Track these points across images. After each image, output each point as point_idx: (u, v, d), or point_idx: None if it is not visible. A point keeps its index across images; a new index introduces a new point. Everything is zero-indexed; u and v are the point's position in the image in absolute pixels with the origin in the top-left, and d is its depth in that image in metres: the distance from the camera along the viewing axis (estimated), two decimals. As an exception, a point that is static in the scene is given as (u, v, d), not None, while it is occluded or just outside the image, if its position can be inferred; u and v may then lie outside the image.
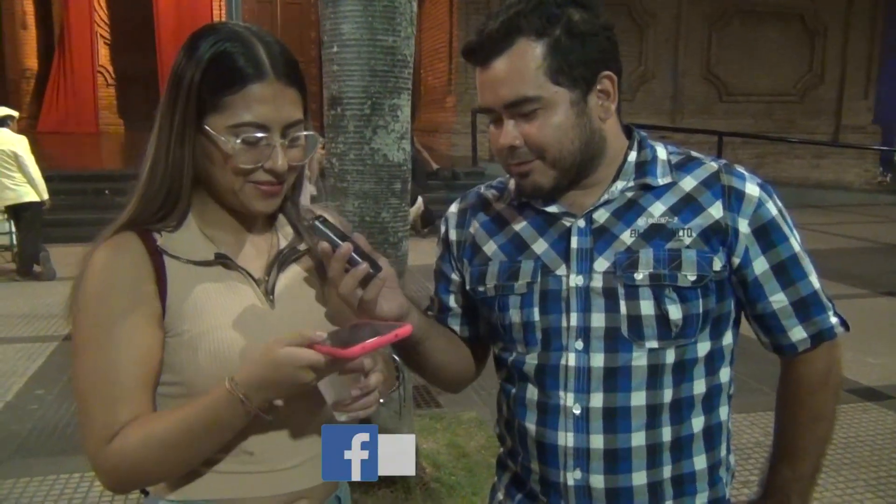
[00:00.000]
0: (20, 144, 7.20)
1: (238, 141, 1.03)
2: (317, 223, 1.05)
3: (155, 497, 1.11)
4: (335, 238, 1.03)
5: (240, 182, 1.06)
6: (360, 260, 1.03)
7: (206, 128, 1.04)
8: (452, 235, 1.30)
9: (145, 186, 1.08)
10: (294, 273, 1.16)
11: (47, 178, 7.47)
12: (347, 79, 2.79)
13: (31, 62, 15.76)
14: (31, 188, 7.22)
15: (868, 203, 13.74)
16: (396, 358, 1.20)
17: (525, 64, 1.08)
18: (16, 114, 7.63)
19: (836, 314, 1.19)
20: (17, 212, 7.32)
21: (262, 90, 1.03)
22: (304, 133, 1.10)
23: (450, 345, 1.28)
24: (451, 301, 1.31)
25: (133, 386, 1.01)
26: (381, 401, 1.06)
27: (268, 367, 0.95)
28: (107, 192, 9.49)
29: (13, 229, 7.63)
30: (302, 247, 1.19)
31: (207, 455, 1.05)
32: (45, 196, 7.37)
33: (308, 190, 4.41)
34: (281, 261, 1.15)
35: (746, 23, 14.48)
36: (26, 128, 11.16)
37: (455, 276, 1.30)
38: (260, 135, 1.03)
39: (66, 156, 12.16)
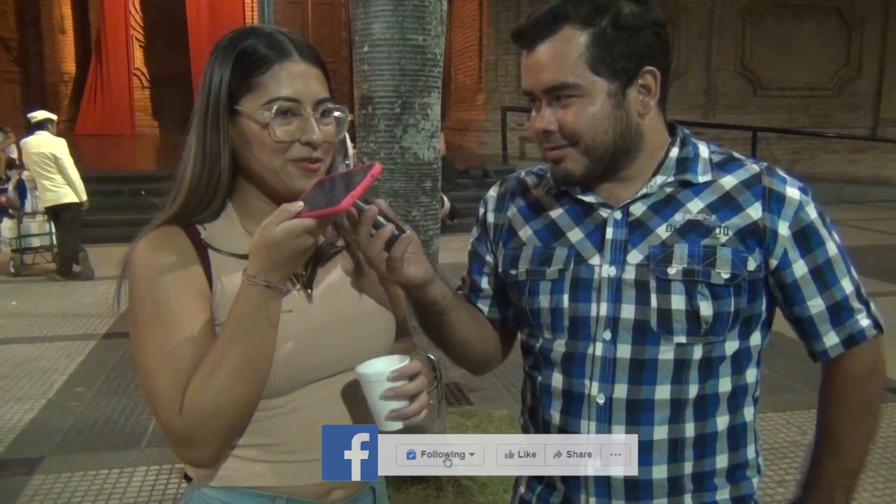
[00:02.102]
0: (59, 147, 7.37)
1: (273, 112, 1.07)
2: None
3: (197, 484, 1.15)
4: (359, 202, 1.05)
5: (280, 161, 1.09)
6: (384, 222, 1.06)
7: (240, 108, 1.08)
8: (490, 218, 1.32)
9: (187, 181, 1.11)
10: (332, 268, 1.19)
11: (85, 180, 7.65)
12: (378, 78, 2.81)
13: (69, 66, 16.11)
14: (70, 189, 7.40)
15: (908, 198, 13.43)
16: (433, 357, 1.21)
17: (567, 51, 1.10)
18: (55, 117, 7.82)
19: (869, 315, 1.18)
20: (57, 213, 7.49)
21: (289, 68, 1.09)
22: (335, 110, 1.13)
23: (474, 322, 1.29)
24: (484, 282, 1.32)
25: (195, 357, 1.03)
26: (431, 402, 1.09)
27: (272, 249, 0.99)
28: (143, 192, 9.67)
29: (53, 230, 7.80)
30: (340, 242, 1.21)
31: (265, 368, 1.04)
32: (84, 197, 7.54)
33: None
34: (319, 256, 1.17)
35: (781, 16, 14.24)
36: (64, 130, 11.41)
37: (490, 259, 1.31)
38: (292, 105, 1.08)
39: (103, 157, 12.40)
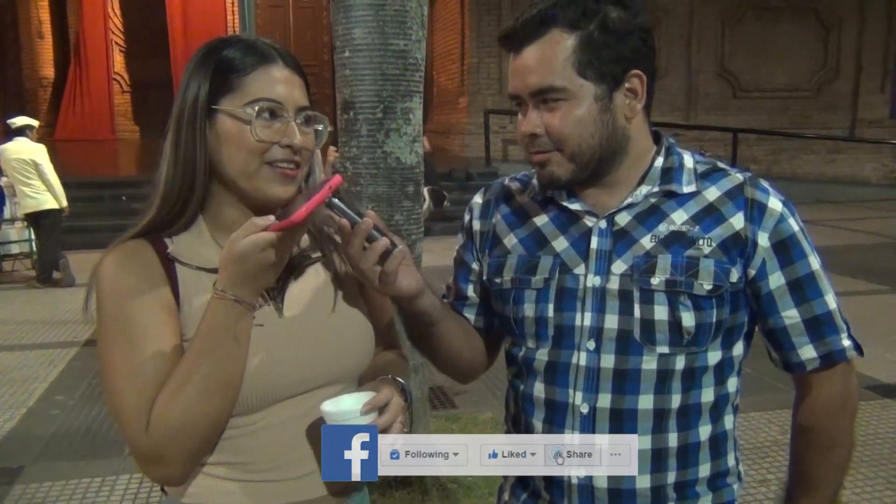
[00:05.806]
0: (39, 153, 7.30)
1: (255, 111, 1.06)
2: (334, 199, 1.04)
3: (171, 499, 1.13)
4: (353, 214, 1.03)
5: (256, 163, 1.07)
6: (378, 235, 1.04)
7: (219, 107, 1.07)
8: (476, 226, 1.31)
9: (161, 187, 1.10)
10: (306, 281, 1.17)
11: (65, 186, 7.57)
12: (359, 83, 2.82)
13: (48, 71, 15.93)
14: (50, 196, 7.32)
15: (886, 198, 13.57)
16: (401, 380, 1.17)
17: (554, 54, 1.10)
18: (35, 123, 7.73)
19: (850, 337, 1.17)
20: (37, 219, 7.41)
21: (274, 72, 1.09)
22: (316, 121, 1.13)
23: (462, 331, 1.29)
24: (469, 290, 1.31)
25: (161, 373, 1.02)
26: (406, 430, 1.08)
27: (238, 263, 0.98)
28: (124, 198, 9.58)
29: (33, 236, 7.71)
30: (315, 254, 1.19)
31: (235, 385, 1.03)
32: (64, 203, 7.46)
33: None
34: (292, 268, 1.15)
35: (760, 18, 14.36)
36: (44, 136, 11.26)
37: (475, 266, 1.31)
38: (275, 106, 1.07)
39: (83, 163, 12.27)
